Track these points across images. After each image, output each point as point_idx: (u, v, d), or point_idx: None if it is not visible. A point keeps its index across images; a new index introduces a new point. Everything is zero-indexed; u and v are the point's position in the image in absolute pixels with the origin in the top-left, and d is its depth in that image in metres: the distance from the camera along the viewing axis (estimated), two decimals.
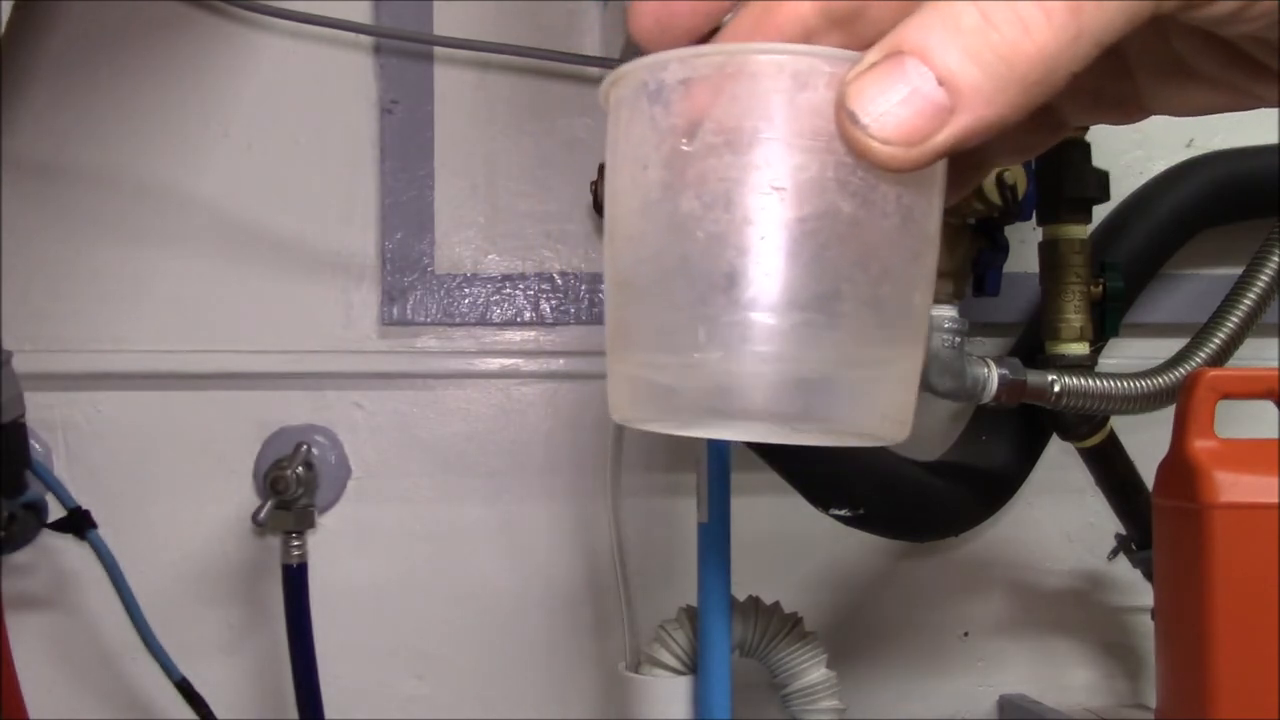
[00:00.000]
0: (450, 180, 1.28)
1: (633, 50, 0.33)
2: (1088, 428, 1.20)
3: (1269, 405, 0.94)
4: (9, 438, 1.03)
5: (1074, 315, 1.12)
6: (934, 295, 0.33)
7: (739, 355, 0.30)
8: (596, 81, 1.29)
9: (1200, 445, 0.91)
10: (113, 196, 1.24)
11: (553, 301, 1.29)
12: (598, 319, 1.29)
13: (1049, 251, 1.13)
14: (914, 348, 0.32)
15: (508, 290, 1.29)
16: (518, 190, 1.29)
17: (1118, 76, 0.32)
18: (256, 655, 1.26)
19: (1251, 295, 1.15)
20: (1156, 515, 0.96)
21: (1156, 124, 1.46)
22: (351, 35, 1.26)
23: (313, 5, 1.23)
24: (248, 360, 1.25)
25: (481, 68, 1.28)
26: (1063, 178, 1.12)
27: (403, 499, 1.28)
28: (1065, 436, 1.22)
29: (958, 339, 1.03)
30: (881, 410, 0.31)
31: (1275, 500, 0.87)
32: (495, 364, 1.29)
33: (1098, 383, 1.08)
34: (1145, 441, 1.18)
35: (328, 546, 1.26)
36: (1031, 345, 1.19)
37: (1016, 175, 1.06)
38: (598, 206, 1.22)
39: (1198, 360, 1.12)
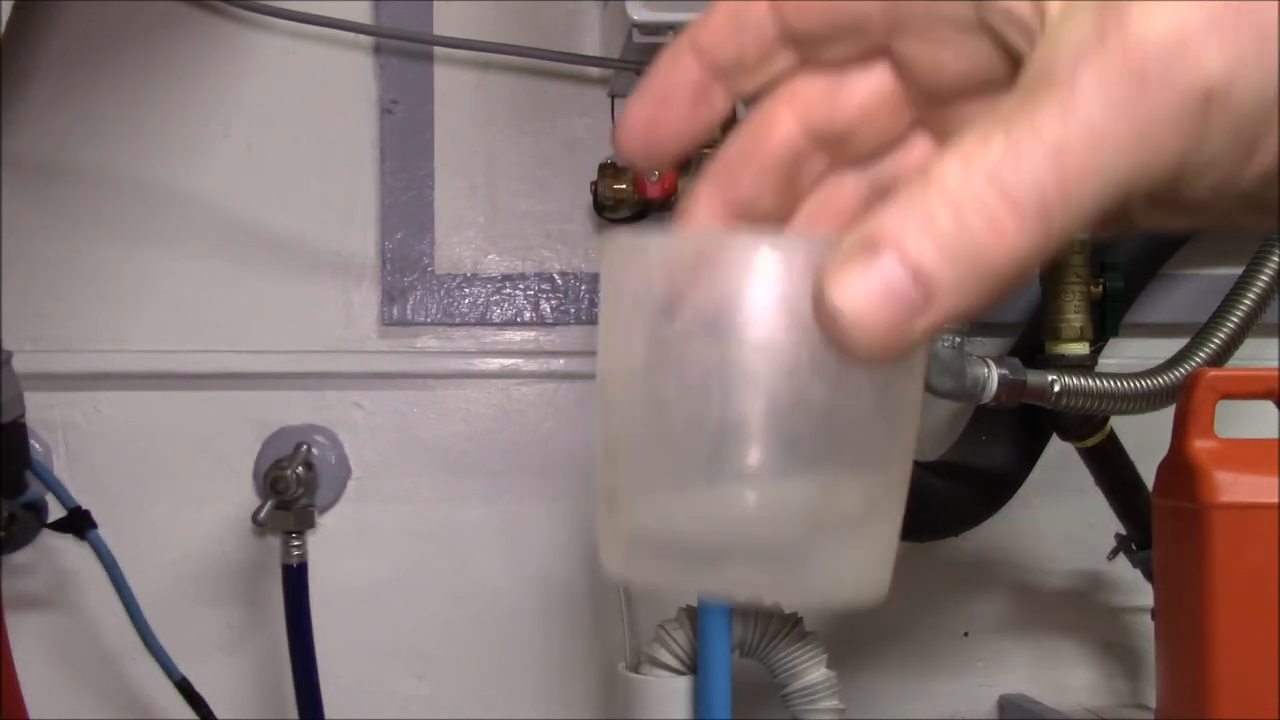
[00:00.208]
0: (450, 180, 1.28)
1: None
2: (1088, 428, 1.20)
3: (1269, 405, 0.94)
4: (9, 438, 1.03)
5: (1074, 315, 1.12)
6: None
7: (714, 530, 0.31)
8: (596, 81, 1.29)
9: (1200, 445, 0.91)
10: (113, 196, 1.24)
11: (553, 301, 1.29)
12: (597, 319, 1.29)
13: None
14: (891, 520, 0.33)
15: (508, 290, 1.29)
16: (518, 190, 1.29)
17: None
18: (256, 655, 1.26)
19: (1251, 295, 1.15)
20: (1156, 515, 0.96)
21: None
22: (351, 35, 1.26)
23: (313, 5, 1.23)
24: (248, 360, 1.25)
25: (481, 68, 1.28)
26: None
27: (403, 499, 1.28)
28: (1065, 436, 1.22)
29: (958, 339, 1.03)
30: (858, 578, 0.33)
31: (1275, 500, 0.87)
32: (495, 364, 1.29)
33: (1098, 383, 1.08)
34: (1145, 441, 1.18)
35: (328, 546, 1.25)
36: (1031, 345, 1.19)
37: None
38: (598, 206, 1.22)
39: (1198, 360, 1.12)
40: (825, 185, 0.33)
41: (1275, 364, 1.05)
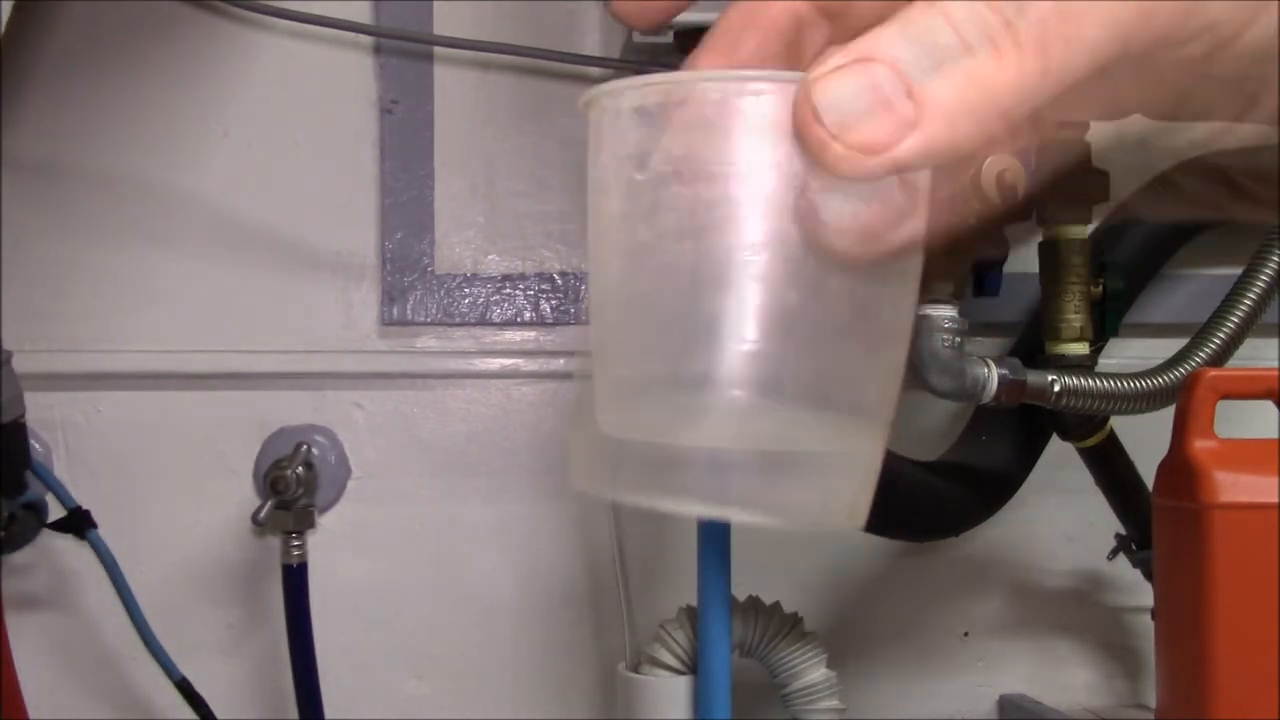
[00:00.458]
0: (450, 180, 1.28)
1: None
2: (1088, 428, 1.20)
3: (1269, 405, 0.94)
4: (9, 438, 1.03)
5: (1074, 315, 1.11)
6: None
7: (679, 424, 0.29)
8: (596, 82, 1.29)
9: (1200, 445, 0.91)
10: (113, 197, 1.24)
11: (553, 301, 1.29)
12: None
13: (1049, 251, 1.13)
14: (868, 440, 0.31)
15: (508, 290, 1.29)
16: (518, 190, 1.29)
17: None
18: (256, 655, 1.26)
19: (1251, 295, 1.15)
20: (1156, 515, 0.96)
21: (1156, 124, 1.45)
22: (351, 35, 1.26)
23: (313, 5, 1.23)
24: (248, 360, 1.25)
25: (481, 68, 1.28)
26: (1063, 178, 1.11)
27: (403, 499, 1.28)
28: (1065, 436, 1.22)
29: (958, 339, 1.03)
30: (825, 499, 0.30)
31: (1275, 500, 0.87)
32: (495, 364, 1.29)
33: (1098, 383, 1.08)
34: (1145, 441, 1.18)
35: (328, 546, 1.26)
36: (1031, 345, 1.18)
37: (1016, 175, 1.06)
38: None
39: (1198, 360, 1.12)
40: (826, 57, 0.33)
41: (1275, 364, 1.05)
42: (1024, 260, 1.21)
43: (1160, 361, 1.13)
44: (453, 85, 1.28)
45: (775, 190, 0.28)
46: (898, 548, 1.35)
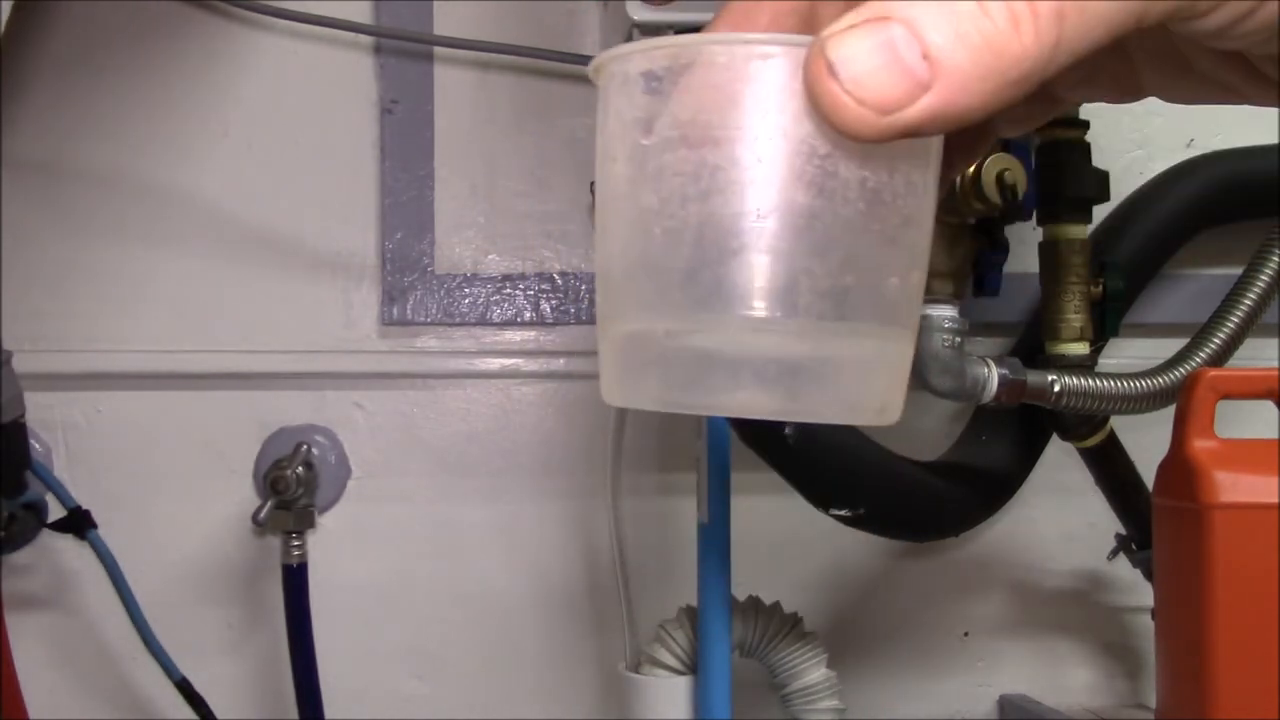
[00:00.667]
0: (450, 180, 1.28)
1: None
2: (1088, 428, 1.20)
3: (1269, 405, 0.94)
4: (9, 438, 1.03)
5: (1074, 315, 1.12)
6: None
7: (707, 340, 0.29)
8: None
9: (1200, 445, 0.91)
10: (113, 196, 1.24)
11: (553, 301, 1.29)
12: (597, 320, 1.28)
13: (1049, 251, 1.13)
14: (893, 331, 0.31)
15: (508, 290, 1.29)
16: (518, 190, 1.29)
17: (1116, 56, 0.33)
18: (256, 655, 1.26)
19: (1251, 295, 1.15)
20: (1156, 515, 0.96)
21: (1156, 124, 1.45)
22: (351, 35, 1.26)
23: (313, 5, 1.23)
24: (248, 360, 1.25)
25: (481, 68, 1.28)
26: (1063, 178, 1.12)
27: (403, 499, 1.28)
28: (1065, 436, 1.22)
29: (958, 339, 1.03)
30: (853, 395, 0.30)
31: (1275, 500, 0.87)
32: (495, 364, 1.29)
33: (1098, 383, 1.08)
34: (1145, 441, 1.18)
35: (328, 546, 1.26)
36: (1031, 345, 1.18)
37: (1016, 175, 1.06)
38: None
39: (1198, 360, 1.12)
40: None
41: (1275, 364, 1.05)
42: (1024, 260, 1.21)
43: (1160, 361, 1.13)
44: (453, 85, 1.28)
45: (782, 155, 0.28)
46: (898, 548, 1.35)
